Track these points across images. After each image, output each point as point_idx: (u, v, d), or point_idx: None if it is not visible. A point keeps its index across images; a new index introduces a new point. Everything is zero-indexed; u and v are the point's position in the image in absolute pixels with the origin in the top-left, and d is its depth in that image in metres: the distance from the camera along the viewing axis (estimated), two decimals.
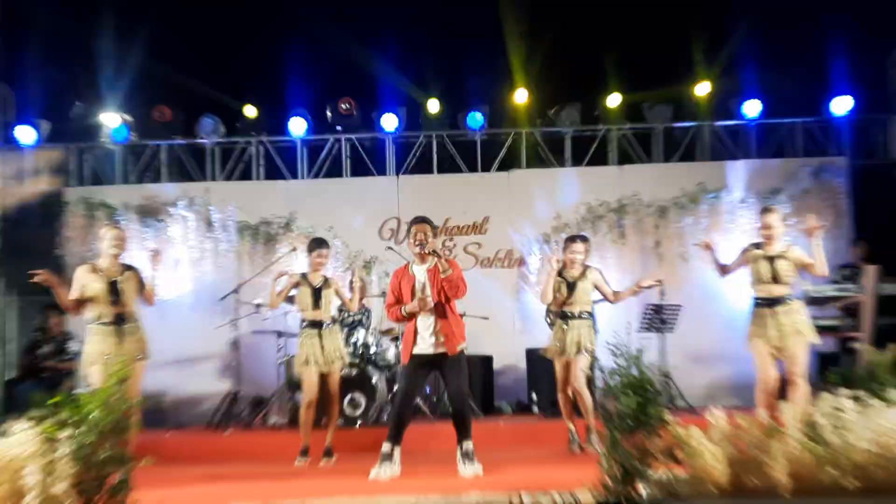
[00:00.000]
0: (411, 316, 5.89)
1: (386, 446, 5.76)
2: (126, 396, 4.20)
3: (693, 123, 10.43)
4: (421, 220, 6.06)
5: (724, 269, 6.47)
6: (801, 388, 5.84)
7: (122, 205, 10.05)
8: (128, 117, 10.40)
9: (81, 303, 6.06)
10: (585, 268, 7.00)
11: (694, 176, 10.07)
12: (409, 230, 6.08)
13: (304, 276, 6.98)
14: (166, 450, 7.59)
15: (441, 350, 5.85)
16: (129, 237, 6.40)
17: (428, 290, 5.90)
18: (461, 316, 8.50)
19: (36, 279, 5.98)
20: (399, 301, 5.98)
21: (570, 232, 9.65)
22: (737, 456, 3.98)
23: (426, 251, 5.89)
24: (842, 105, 10.08)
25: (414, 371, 5.91)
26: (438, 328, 5.85)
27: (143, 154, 10.58)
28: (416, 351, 5.90)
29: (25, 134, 10.19)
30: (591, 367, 6.99)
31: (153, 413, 8.25)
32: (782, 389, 6.20)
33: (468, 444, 5.73)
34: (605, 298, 7.02)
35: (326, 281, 6.96)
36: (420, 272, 5.98)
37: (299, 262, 9.12)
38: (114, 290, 6.00)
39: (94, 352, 5.91)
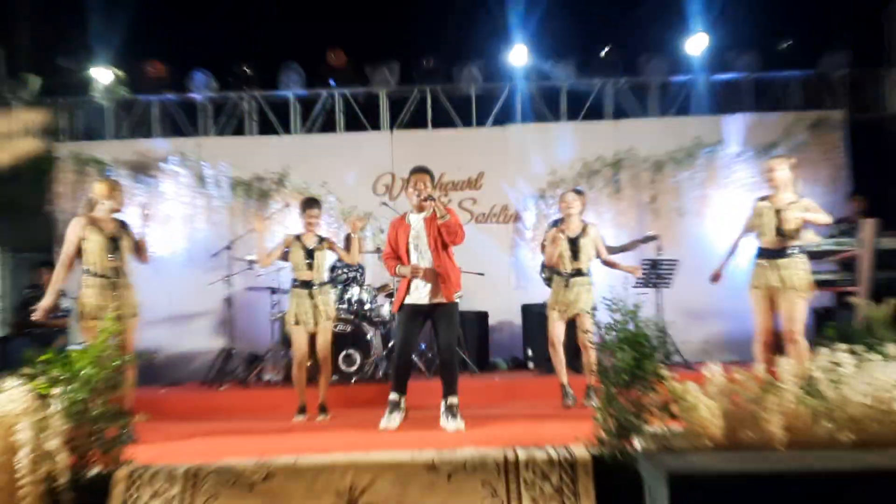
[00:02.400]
0: (403, 278, 5.86)
1: (393, 396, 5.84)
2: (118, 352, 4.16)
3: (690, 77, 10.31)
4: (420, 169, 6.03)
5: (739, 241, 6.36)
6: (798, 344, 5.82)
7: (113, 160, 9.95)
8: (119, 72, 10.25)
9: (75, 258, 5.98)
10: (585, 224, 6.95)
11: (690, 130, 10.00)
12: (408, 179, 6.03)
13: (297, 237, 6.91)
14: (161, 406, 7.61)
15: (436, 300, 5.82)
16: (121, 189, 6.28)
17: (424, 239, 5.86)
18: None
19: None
20: (396, 252, 5.96)
21: (565, 187, 9.60)
22: (733, 410, 3.96)
23: (423, 197, 5.84)
24: (838, 59, 9.98)
25: (408, 321, 5.89)
26: (434, 277, 5.82)
27: (135, 109, 10.44)
28: (409, 301, 5.87)
29: (15, 89, 10.01)
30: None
31: (148, 370, 8.21)
32: (779, 344, 6.19)
33: (453, 399, 5.73)
34: (598, 256, 6.96)
35: (321, 241, 6.90)
36: (416, 221, 5.94)
37: (292, 219, 9.06)
38: (111, 244, 5.92)
39: (87, 305, 5.84)
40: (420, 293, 5.85)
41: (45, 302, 5.89)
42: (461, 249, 6.70)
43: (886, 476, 3.37)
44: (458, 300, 5.94)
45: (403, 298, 5.88)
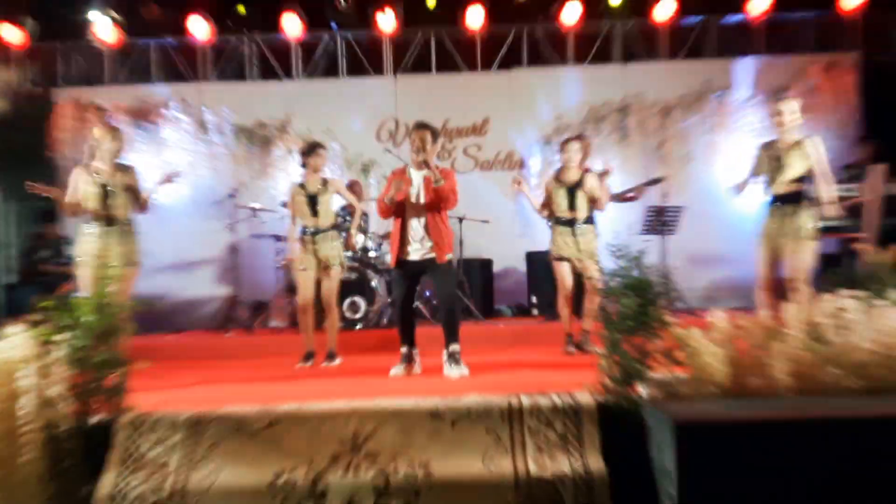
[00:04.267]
0: (393, 204, 5.76)
1: (404, 349, 5.91)
2: (117, 300, 4.14)
3: (699, 18, 10.11)
4: (421, 125, 5.88)
5: (743, 186, 6.18)
6: (803, 292, 5.74)
7: (113, 106, 9.84)
8: (116, 15, 10.09)
9: (79, 205, 5.95)
10: (584, 172, 6.83)
11: (700, 74, 9.85)
12: (410, 134, 5.92)
13: (301, 184, 6.81)
14: (167, 353, 7.62)
15: (429, 256, 5.78)
16: (121, 134, 6.21)
17: (422, 196, 5.79)
18: (461, 219, 8.52)
19: (34, 190, 5.87)
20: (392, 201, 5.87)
21: (571, 133, 9.48)
22: (737, 357, 3.94)
23: (419, 160, 5.76)
24: None
25: (405, 277, 5.88)
26: (427, 235, 5.77)
27: (133, 53, 10.29)
28: (404, 257, 5.83)
29: (10, 33, 9.88)
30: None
31: (153, 317, 8.22)
32: (782, 291, 6.12)
33: (454, 346, 5.72)
34: (594, 205, 6.84)
35: (325, 184, 6.79)
36: (417, 177, 5.85)
37: (294, 165, 8.99)
38: (106, 191, 5.88)
39: (84, 253, 5.83)
40: (414, 248, 5.80)
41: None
42: (466, 196, 6.64)
43: (892, 421, 3.34)
44: (451, 259, 5.89)
45: (398, 254, 5.83)
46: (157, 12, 10.07)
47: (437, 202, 5.74)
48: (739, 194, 6.14)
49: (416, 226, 5.80)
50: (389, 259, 8.45)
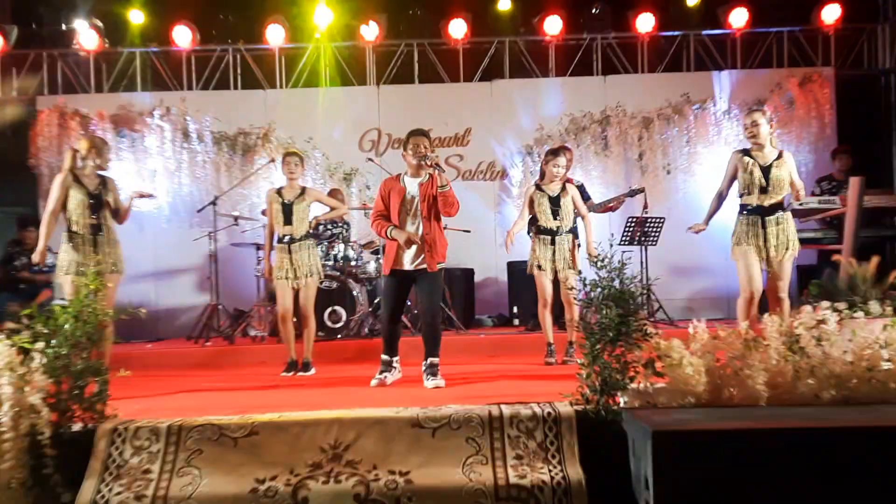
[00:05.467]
0: (393, 240, 5.74)
1: (385, 357, 5.83)
2: (99, 308, 4.13)
3: (679, 33, 10.23)
4: (419, 132, 5.83)
5: (720, 198, 6.15)
6: (785, 303, 5.81)
7: (96, 114, 9.82)
8: (98, 23, 10.07)
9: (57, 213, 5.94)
10: (565, 183, 6.88)
11: (679, 86, 9.97)
12: (406, 142, 5.81)
13: (278, 190, 6.82)
14: (147, 361, 7.61)
15: (421, 266, 5.73)
16: (108, 147, 6.19)
17: (417, 205, 5.72)
18: (443, 228, 8.53)
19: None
20: (387, 211, 5.80)
21: (552, 143, 9.55)
22: (717, 367, 3.98)
23: (428, 163, 5.64)
24: (829, 14, 9.91)
25: (396, 285, 5.81)
26: (424, 243, 5.71)
27: (117, 62, 10.26)
28: (397, 266, 5.77)
29: None
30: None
31: (134, 325, 8.17)
32: (762, 302, 6.18)
33: (434, 359, 5.70)
34: (577, 214, 6.89)
35: (302, 193, 6.79)
36: (412, 185, 5.77)
37: (278, 174, 8.99)
38: (94, 201, 5.88)
39: (66, 261, 5.83)
40: (408, 258, 5.74)
41: (37, 252, 5.95)
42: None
43: (868, 432, 3.39)
44: (442, 268, 5.84)
45: (392, 264, 5.77)
46: (142, 21, 10.04)
47: (442, 209, 5.66)
48: (719, 207, 6.19)
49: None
50: (370, 269, 8.58)
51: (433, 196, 5.67)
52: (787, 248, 5.83)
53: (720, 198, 6.17)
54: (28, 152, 9.74)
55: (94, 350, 4.11)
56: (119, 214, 6.09)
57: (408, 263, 5.75)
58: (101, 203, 5.92)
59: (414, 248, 5.71)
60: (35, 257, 5.95)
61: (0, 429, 3.70)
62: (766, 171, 5.84)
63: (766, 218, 5.84)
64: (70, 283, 5.73)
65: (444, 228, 8.48)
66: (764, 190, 5.84)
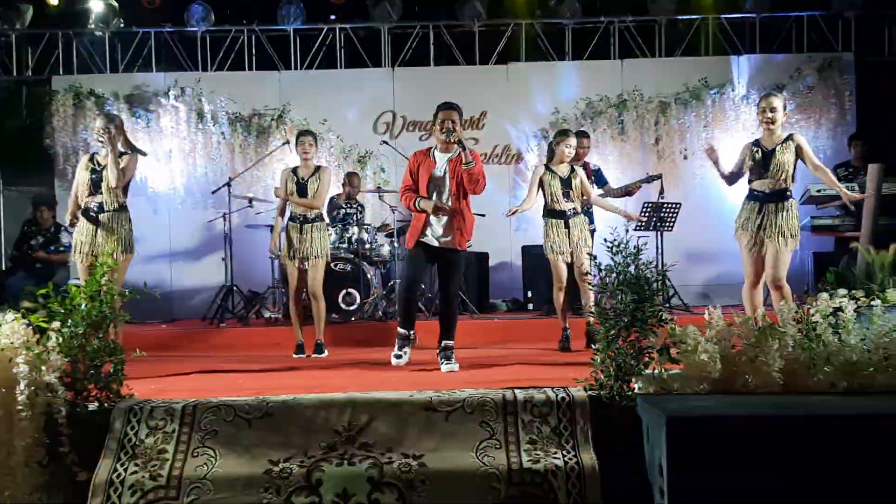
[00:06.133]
0: (422, 212, 5.68)
1: (402, 330, 5.79)
2: (111, 288, 4.14)
3: (697, 16, 10.14)
4: (449, 105, 5.72)
5: (731, 177, 6.03)
6: (785, 289, 5.71)
7: (111, 94, 9.83)
8: (114, 2, 10.07)
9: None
10: (573, 164, 6.84)
11: (697, 71, 9.88)
12: (435, 115, 5.74)
13: (294, 169, 6.82)
14: (161, 342, 7.64)
15: (448, 245, 5.68)
16: (120, 123, 6.13)
17: (447, 181, 5.66)
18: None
19: None
20: (415, 185, 5.72)
21: (567, 128, 9.49)
22: (732, 354, 3.96)
23: (452, 140, 5.57)
24: None
25: (418, 258, 5.76)
26: (450, 221, 5.66)
27: (132, 42, 10.26)
28: (423, 239, 5.70)
29: (8, 19, 9.84)
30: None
31: (148, 306, 8.21)
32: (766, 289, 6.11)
33: (449, 342, 5.68)
34: (585, 197, 6.84)
35: (317, 172, 6.77)
36: (442, 160, 5.70)
37: (291, 155, 8.99)
38: (94, 177, 5.89)
39: (78, 241, 5.89)
40: (434, 233, 5.69)
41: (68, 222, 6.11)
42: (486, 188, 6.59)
43: (884, 421, 3.37)
44: (468, 248, 5.83)
45: (418, 236, 5.70)
46: (157, 0, 10.04)
47: (468, 186, 5.59)
48: (732, 184, 6.12)
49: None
50: (385, 251, 8.56)
51: (462, 173, 5.60)
52: (784, 236, 5.68)
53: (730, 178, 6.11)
54: (43, 132, 9.75)
55: (109, 330, 4.13)
56: (117, 179, 5.88)
57: (434, 239, 5.69)
58: (101, 180, 5.90)
59: (443, 222, 5.66)
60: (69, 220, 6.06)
61: (17, 407, 3.73)
62: (768, 155, 5.75)
63: (766, 204, 5.74)
64: (79, 263, 5.82)
65: None
66: (762, 175, 5.75)
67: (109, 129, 5.89)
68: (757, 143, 5.90)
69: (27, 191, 10.02)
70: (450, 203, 5.65)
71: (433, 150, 5.79)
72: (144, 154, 6.31)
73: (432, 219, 5.68)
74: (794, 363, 3.97)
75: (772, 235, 5.68)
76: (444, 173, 5.68)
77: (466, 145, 5.55)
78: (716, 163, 6.07)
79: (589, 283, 6.39)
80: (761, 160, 5.76)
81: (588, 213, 6.96)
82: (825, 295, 4.16)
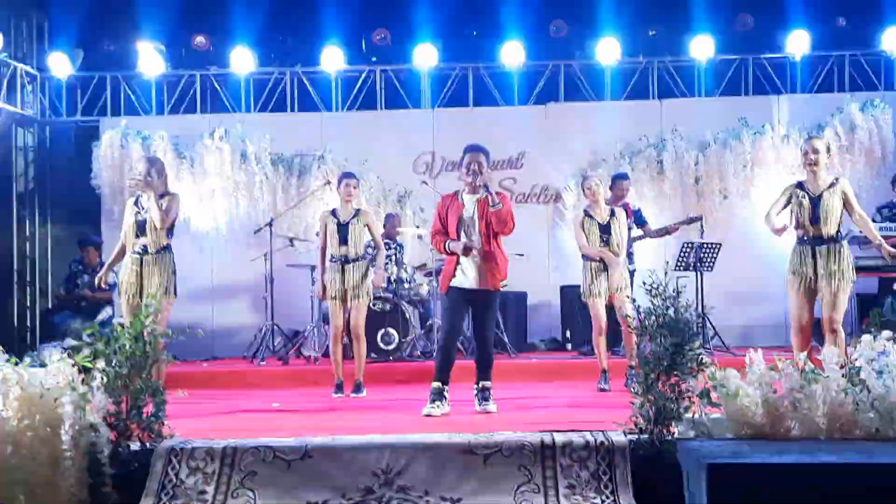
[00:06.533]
0: (453, 254, 5.66)
1: (436, 384, 5.55)
2: (155, 329, 4.20)
3: (737, 56, 10.13)
4: (475, 148, 5.74)
5: (781, 229, 5.90)
6: (840, 335, 5.66)
7: (157, 135, 10.02)
8: (162, 46, 10.32)
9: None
10: (613, 208, 6.86)
11: (736, 110, 9.83)
12: (462, 158, 5.74)
13: (333, 211, 6.90)
14: (201, 380, 7.72)
15: (482, 286, 5.61)
16: (161, 167, 6.25)
17: (476, 222, 5.61)
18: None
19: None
20: (444, 228, 5.70)
21: (606, 168, 9.52)
22: (774, 398, 3.91)
23: (478, 183, 5.58)
24: (894, 37, 9.72)
25: (455, 305, 5.68)
26: (482, 263, 5.60)
27: (178, 84, 10.49)
28: (456, 283, 5.64)
29: (60, 62, 10.13)
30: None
31: (189, 345, 8.30)
32: (817, 333, 6.04)
33: (486, 383, 5.63)
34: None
35: (357, 214, 6.84)
36: (470, 202, 5.68)
37: (333, 196, 9.08)
38: (140, 221, 5.99)
39: (123, 283, 6.00)
40: (467, 276, 5.62)
41: (101, 272, 6.39)
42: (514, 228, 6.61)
43: None
44: (502, 289, 5.79)
45: (450, 280, 5.67)
46: (206, 44, 10.27)
47: (496, 227, 5.55)
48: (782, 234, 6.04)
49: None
50: (423, 291, 8.60)
51: (490, 214, 5.57)
52: (840, 280, 5.64)
53: (768, 218, 6.03)
54: (91, 172, 9.97)
55: (152, 370, 4.19)
56: (161, 220, 5.97)
57: (467, 282, 5.63)
58: (146, 222, 6.01)
59: (475, 264, 5.60)
60: (96, 280, 6.31)
61: (62, 447, 3.78)
62: (816, 200, 5.70)
63: (818, 248, 5.69)
64: (124, 304, 5.93)
65: None
66: (814, 221, 5.70)
67: (150, 173, 6.02)
68: (801, 185, 5.83)
69: (74, 230, 10.23)
70: (480, 244, 5.62)
71: (461, 193, 5.78)
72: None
73: (464, 261, 5.62)
74: (839, 408, 3.90)
75: (828, 279, 5.63)
76: (473, 214, 5.64)
77: (491, 187, 5.54)
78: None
79: (630, 326, 6.34)
80: (809, 207, 5.71)
81: (628, 253, 6.95)
82: (868, 337, 4.09)
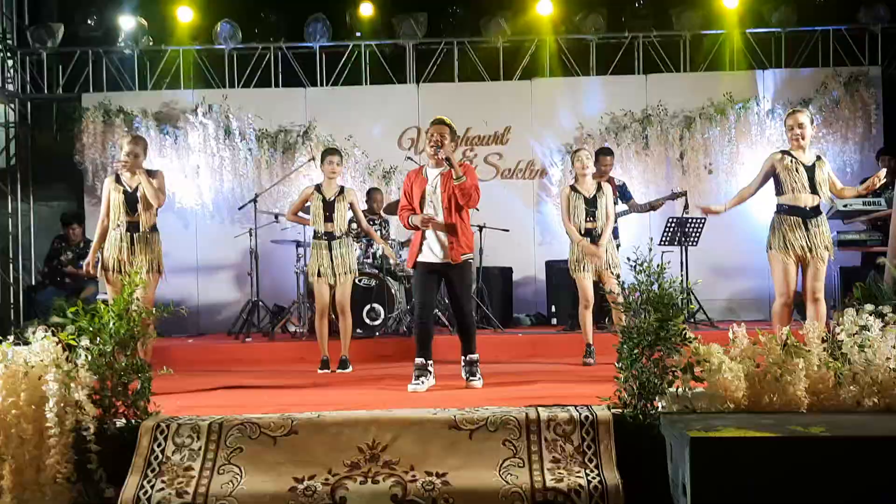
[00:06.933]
0: (416, 228, 5.66)
1: (419, 360, 5.58)
2: (140, 306, 4.19)
3: (722, 31, 10.11)
4: (439, 121, 5.72)
5: (743, 198, 6.13)
6: (822, 304, 5.73)
7: (140, 111, 9.95)
8: (144, 21, 10.22)
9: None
10: (600, 182, 6.86)
11: (721, 85, 9.83)
12: (427, 131, 5.77)
13: (317, 187, 6.88)
14: (186, 357, 7.71)
15: (445, 259, 5.60)
16: (146, 145, 6.23)
17: (438, 195, 5.61)
18: (481, 227, 8.53)
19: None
20: (411, 204, 5.70)
21: (592, 143, 9.52)
22: (756, 372, 3.94)
23: (440, 156, 5.56)
24: (875, 13, 9.73)
25: (423, 279, 5.68)
26: (445, 237, 5.60)
27: (161, 60, 10.39)
28: (422, 258, 5.65)
29: (40, 37, 10.00)
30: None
31: (174, 321, 8.29)
32: (799, 305, 6.10)
33: (472, 356, 5.65)
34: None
35: (341, 192, 6.83)
36: (433, 175, 5.68)
37: (317, 172, 9.05)
38: (130, 198, 5.97)
39: (106, 259, 5.97)
40: (433, 251, 5.62)
41: (85, 263, 6.33)
42: (487, 204, 6.63)
43: None
44: (470, 260, 5.74)
45: (416, 255, 5.66)
46: (186, 19, 10.18)
47: (461, 200, 5.55)
48: (741, 201, 6.14)
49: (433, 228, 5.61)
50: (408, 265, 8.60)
51: (453, 187, 5.57)
52: (826, 251, 5.74)
53: (744, 196, 6.12)
54: (73, 149, 9.89)
55: (137, 347, 4.18)
56: (157, 199, 6.01)
57: (433, 256, 5.63)
58: (137, 200, 5.98)
59: (440, 238, 5.60)
60: (84, 267, 6.31)
61: (46, 424, 3.78)
62: (810, 171, 5.75)
63: (809, 220, 5.74)
64: (110, 281, 5.91)
65: (482, 228, 8.56)
66: (809, 190, 5.74)
67: (136, 152, 5.99)
68: (790, 154, 5.85)
69: (57, 206, 10.17)
70: (443, 218, 5.61)
71: (425, 168, 5.79)
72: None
73: (429, 236, 5.62)
74: (820, 382, 3.94)
75: (816, 250, 5.68)
76: (436, 188, 5.64)
77: (454, 160, 5.54)
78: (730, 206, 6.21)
79: (614, 302, 6.37)
80: (806, 176, 5.73)
81: (613, 228, 6.95)
82: (851, 312, 4.12)
